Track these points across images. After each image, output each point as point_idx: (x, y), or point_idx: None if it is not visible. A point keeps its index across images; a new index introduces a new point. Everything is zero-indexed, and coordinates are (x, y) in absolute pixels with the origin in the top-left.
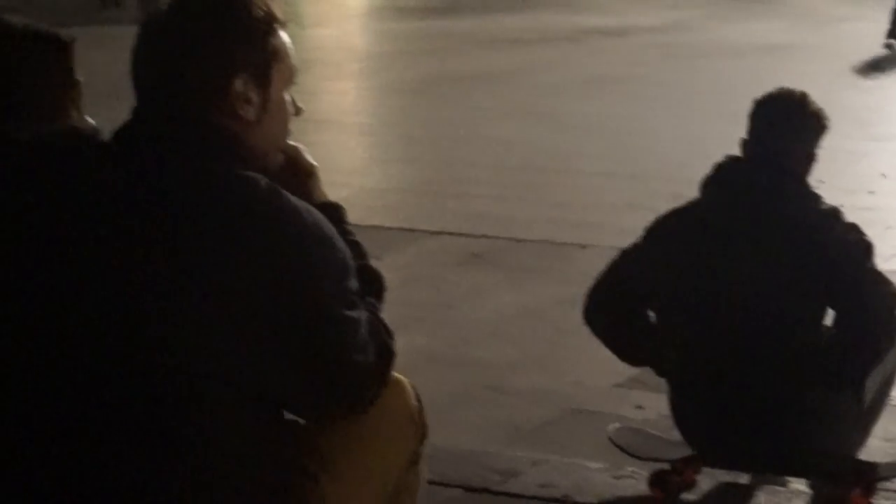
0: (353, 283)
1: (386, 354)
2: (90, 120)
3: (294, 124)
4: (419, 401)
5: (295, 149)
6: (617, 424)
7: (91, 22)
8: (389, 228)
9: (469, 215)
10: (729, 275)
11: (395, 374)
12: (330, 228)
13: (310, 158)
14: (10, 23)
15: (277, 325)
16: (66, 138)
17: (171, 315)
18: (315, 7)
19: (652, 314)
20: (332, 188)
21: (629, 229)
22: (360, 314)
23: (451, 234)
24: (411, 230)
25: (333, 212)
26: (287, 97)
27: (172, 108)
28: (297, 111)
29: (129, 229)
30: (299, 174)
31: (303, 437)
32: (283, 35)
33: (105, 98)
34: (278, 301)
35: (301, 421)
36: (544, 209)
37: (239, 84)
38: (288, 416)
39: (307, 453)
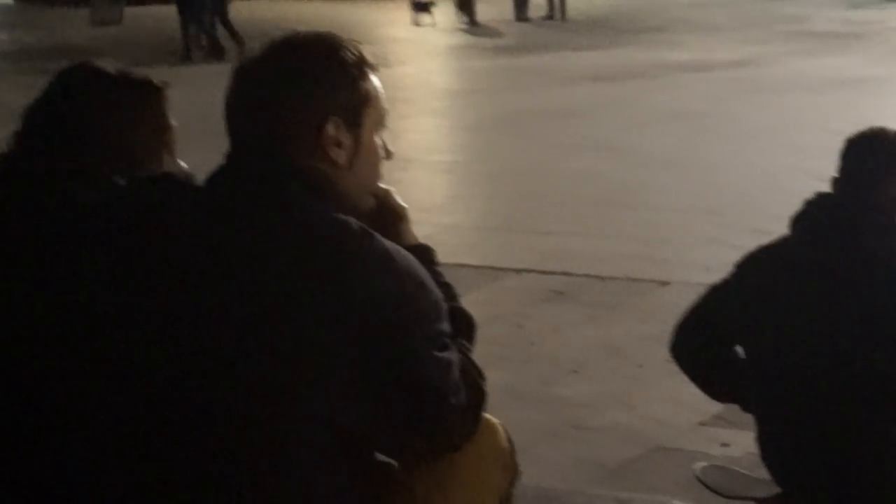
0: (445, 325)
1: (478, 395)
2: (182, 164)
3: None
4: (510, 441)
5: (386, 192)
6: (703, 462)
7: (163, 62)
8: (472, 266)
9: (550, 252)
10: (815, 312)
11: (487, 415)
12: (422, 270)
13: (400, 201)
14: (104, 68)
15: (370, 368)
16: (160, 184)
17: (264, 359)
18: (396, 46)
19: (740, 350)
20: (415, 226)
21: (711, 265)
22: (453, 356)
23: (532, 271)
24: (493, 268)
25: (424, 254)
26: (378, 140)
27: (265, 151)
28: (388, 155)
29: (223, 274)
30: (390, 217)
31: (395, 477)
32: (374, 79)
33: (182, 139)
34: (371, 344)
35: (394, 462)
36: (625, 245)
37: (331, 128)
38: (380, 457)
39: (400, 494)
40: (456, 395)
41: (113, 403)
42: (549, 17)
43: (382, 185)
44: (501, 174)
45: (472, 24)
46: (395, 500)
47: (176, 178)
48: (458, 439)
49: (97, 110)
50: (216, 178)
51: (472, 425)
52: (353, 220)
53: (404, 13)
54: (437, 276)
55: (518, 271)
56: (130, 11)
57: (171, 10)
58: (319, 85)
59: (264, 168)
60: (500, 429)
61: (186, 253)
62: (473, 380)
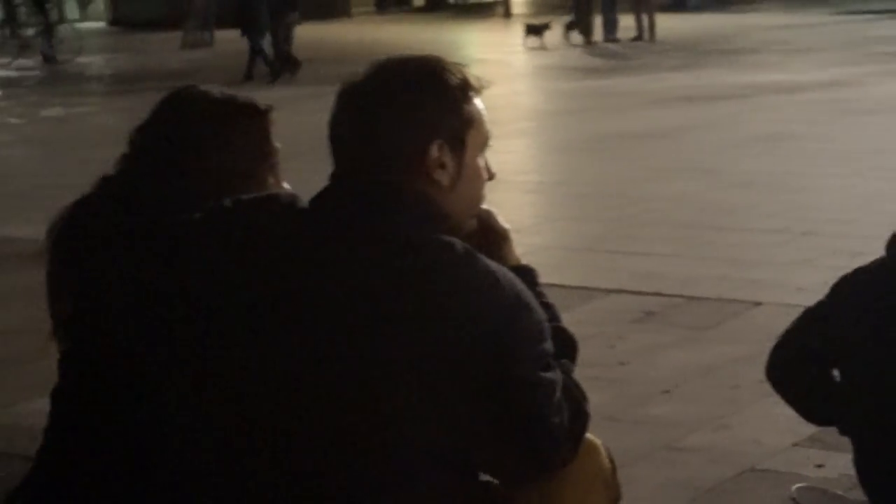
0: (549, 346)
1: (581, 416)
2: (287, 186)
3: None
4: (612, 462)
5: (488, 213)
6: (800, 484)
7: (254, 85)
8: (562, 286)
9: (641, 273)
10: None
11: (589, 436)
12: (526, 291)
13: (503, 222)
14: (209, 91)
15: (475, 389)
16: (265, 205)
17: (369, 383)
18: (483, 68)
19: (836, 372)
20: None
21: (804, 286)
22: (556, 376)
23: (624, 291)
24: (584, 288)
25: (527, 274)
26: (481, 162)
27: (370, 173)
28: (491, 176)
29: (327, 297)
30: (493, 238)
31: (498, 497)
32: (478, 101)
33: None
34: (476, 365)
35: (495, 482)
36: (717, 266)
37: (434, 150)
38: (482, 476)
39: None
40: (559, 416)
41: (213, 427)
42: (638, 38)
43: (485, 207)
44: (590, 195)
45: (588, 44)
46: None
47: (281, 199)
48: (560, 460)
49: (203, 134)
50: (321, 199)
51: (575, 446)
52: (457, 242)
53: (500, 34)
54: (540, 296)
55: (608, 292)
56: (221, 35)
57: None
58: (424, 108)
59: (369, 190)
60: (602, 449)
61: (291, 276)
62: (576, 401)
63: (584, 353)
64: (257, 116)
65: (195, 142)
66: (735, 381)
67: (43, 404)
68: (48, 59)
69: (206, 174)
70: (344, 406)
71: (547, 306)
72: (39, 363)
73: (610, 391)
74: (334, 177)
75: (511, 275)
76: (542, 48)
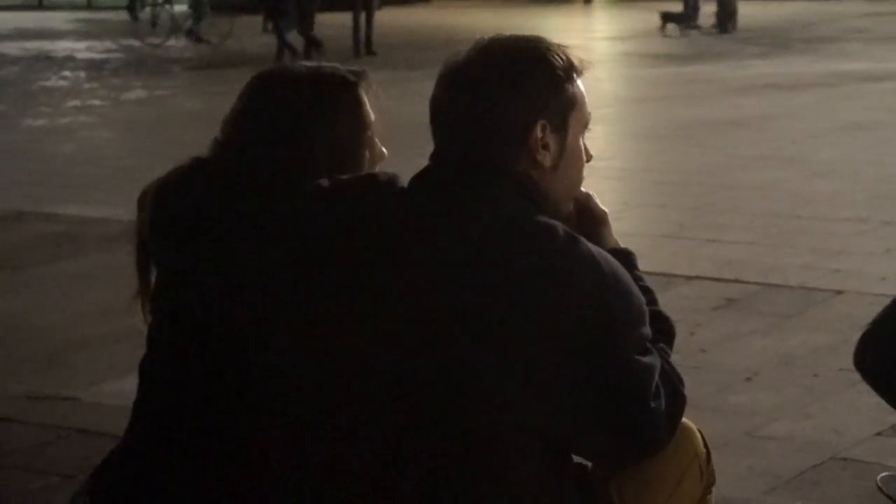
0: (647, 330)
1: (678, 400)
2: (384, 151)
3: None
4: (707, 447)
5: (587, 195)
6: (886, 473)
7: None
8: (643, 273)
9: (723, 261)
10: None
11: (685, 420)
12: (626, 275)
13: (601, 205)
14: (295, 69)
15: (575, 372)
16: (364, 186)
17: (475, 367)
18: None
19: None
20: None
21: (887, 275)
22: (654, 360)
23: (705, 278)
24: (665, 275)
25: (626, 258)
26: (581, 144)
27: (473, 153)
28: (588, 157)
29: (427, 278)
30: (592, 221)
31: (593, 480)
32: (580, 83)
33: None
34: (577, 348)
35: (588, 464)
36: (799, 255)
37: (538, 130)
38: (576, 459)
39: (596, 497)
40: (656, 400)
41: (324, 410)
42: (720, 25)
43: (584, 189)
44: (672, 182)
45: (724, 31)
46: (593, 502)
47: (380, 179)
48: (657, 443)
49: (295, 112)
50: (422, 179)
51: (671, 429)
52: (559, 225)
53: (580, 19)
54: (638, 280)
55: (690, 278)
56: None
57: (344, 17)
58: (528, 88)
59: (472, 171)
60: (697, 433)
61: (394, 259)
62: (673, 384)
63: None
64: (347, 88)
65: (288, 121)
66: (816, 370)
67: (127, 383)
68: (198, 40)
69: (303, 154)
70: (448, 388)
71: (646, 290)
72: (124, 343)
73: (690, 378)
74: (435, 156)
75: (611, 259)
76: (684, 35)
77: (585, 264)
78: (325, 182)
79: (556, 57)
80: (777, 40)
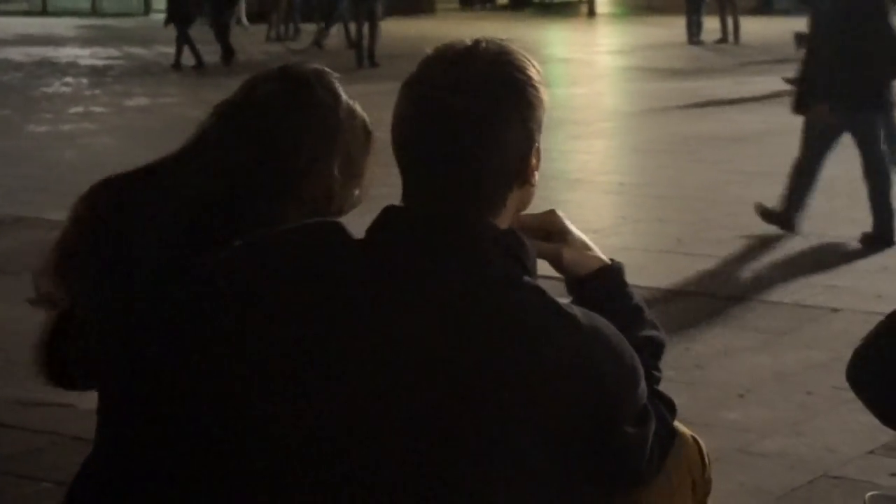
0: (643, 387)
1: (669, 438)
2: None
3: (545, 183)
4: (703, 455)
5: (552, 212)
6: (876, 492)
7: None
8: (639, 287)
9: (720, 276)
10: None
11: (682, 428)
12: (612, 333)
13: (566, 222)
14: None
15: (566, 449)
16: (319, 235)
17: (459, 454)
18: (566, 67)
19: None
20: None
21: (884, 293)
22: (650, 424)
23: (701, 294)
24: (662, 290)
25: (614, 276)
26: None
27: (465, 200)
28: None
29: (399, 351)
30: (573, 245)
31: None
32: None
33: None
34: (577, 429)
35: None
36: (795, 271)
37: (534, 157)
38: None
39: None
40: (650, 462)
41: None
42: (723, 40)
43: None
44: (670, 197)
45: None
46: None
47: (327, 228)
48: (645, 483)
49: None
50: (395, 226)
51: (661, 466)
52: (553, 302)
53: (584, 33)
54: (629, 297)
55: (686, 294)
56: (307, 28)
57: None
58: (531, 115)
59: (457, 224)
60: (693, 444)
61: (364, 318)
62: (666, 424)
63: None
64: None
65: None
66: (810, 387)
67: None
68: (318, 45)
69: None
70: (432, 470)
71: (637, 309)
72: None
73: (685, 394)
74: (412, 198)
75: (595, 317)
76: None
77: (574, 335)
78: (267, 234)
79: (535, 69)
80: (780, 56)
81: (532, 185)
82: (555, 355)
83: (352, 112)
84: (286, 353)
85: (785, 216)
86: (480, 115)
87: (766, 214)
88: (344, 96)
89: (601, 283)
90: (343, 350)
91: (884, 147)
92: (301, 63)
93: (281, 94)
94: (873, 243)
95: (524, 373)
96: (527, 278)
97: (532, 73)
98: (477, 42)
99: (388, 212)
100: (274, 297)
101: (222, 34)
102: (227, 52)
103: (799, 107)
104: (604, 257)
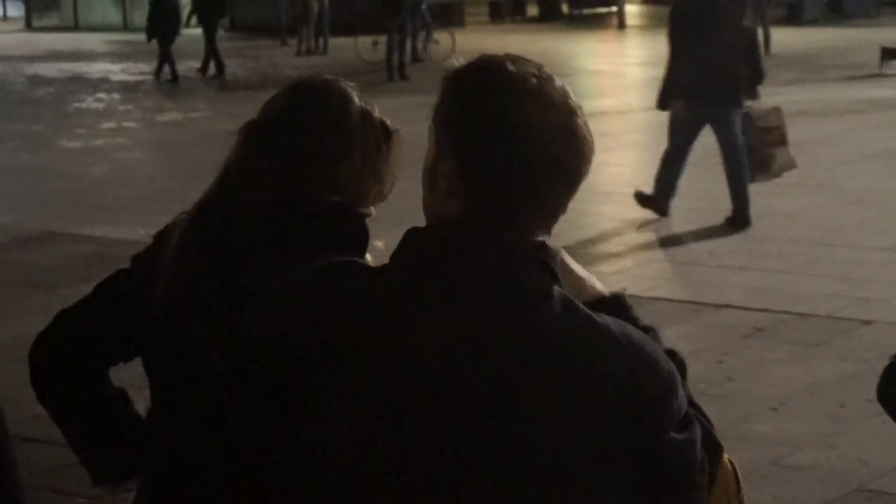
0: (682, 393)
1: (715, 451)
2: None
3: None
4: (737, 477)
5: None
6: None
7: (380, 94)
8: (672, 300)
9: (752, 289)
10: None
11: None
12: (647, 341)
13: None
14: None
15: (618, 462)
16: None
17: (504, 467)
18: (596, 79)
19: None
20: (616, 260)
21: None
22: (695, 429)
23: (733, 307)
24: (693, 303)
25: (616, 304)
26: None
27: (511, 213)
28: None
29: (441, 352)
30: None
31: None
32: None
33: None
34: (611, 437)
35: None
36: (828, 284)
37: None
38: None
39: None
40: (703, 471)
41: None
42: None
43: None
44: (702, 209)
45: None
46: None
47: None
48: (702, 493)
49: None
50: (415, 246)
51: (714, 475)
52: (586, 313)
53: (613, 45)
54: (634, 320)
55: (718, 307)
56: (336, 42)
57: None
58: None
59: (501, 237)
60: (729, 466)
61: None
62: (710, 435)
63: (691, 368)
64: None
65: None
66: (843, 400)
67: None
68: (417, 59)
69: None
70: (486, 489)
71: (647, 329)
72: None
73: (717, 407)
74: (473, 216)
75: (627, 327)
76: None
77: (609, 343)
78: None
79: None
80: (810, 66)
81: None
82: (593, 367)
83: (366, 114)
84: (330, 395)
85: (657, 202)
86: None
87: (641, 199)
88: (357, 100)
89: (605, 310)
90: (379, 379)
91: (742, 137)
92: (314, 75)
93: (294, 105)
94: (734, 225)
95: (567, 386)
96: (557, 288)
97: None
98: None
99: (409, 234)
100: (307, 346)
101: (211, 44)
102: (211, 64)
103: (662, 103)
104: (604, 290)
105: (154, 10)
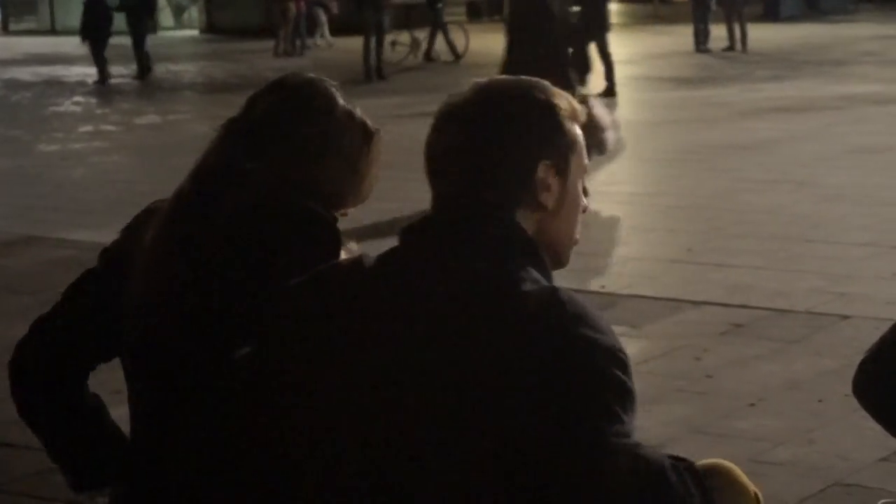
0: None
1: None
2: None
3: None
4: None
5: None
6: (887, 500)
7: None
8: (650, 298)
9: (730, 285)
10: None
11: (746, 482)
12: (606, 332)
13: None
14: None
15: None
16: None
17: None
18: None
19: None
20: (594, 258)
21: (893, 300)
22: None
23: (712, 304)
24: (672, 300)
25: None
26: (580, 190)
27: (475, 196)
28: (584, 208)
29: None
30: None
31: None
32: (578, 130)
33: None
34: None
35: None
36: (806, 279)
37: (541, 171)
38: None
39: None
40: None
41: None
42: (730, 48)
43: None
44: (681, 207)
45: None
46: None
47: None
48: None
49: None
50: (417, 233)
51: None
52: (565, 293)
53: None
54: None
55: (697, 303)
56: (346, 43)
57: (354, 42)
58: (531, 127)
59: (466, 221)
60: (753, 497)
61: (371, 328)
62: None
63: (670, 364)
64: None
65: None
66: (822, 395)
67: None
68: (430, 59)
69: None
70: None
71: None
72: None
73: (696, 403)
74: (437, 204)
75: (588, 312)
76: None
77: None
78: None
79: (560, 99)
80: (787, 63)
81: (541, 199)
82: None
83: (349, 114)
84: (319, 386)
85: None
86: (477, 120)
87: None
88: (341, 101)
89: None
90: (364, 370)
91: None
92: (297, 73)
93: (279, 105)
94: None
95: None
96: (527, 270)
97: (554, 100)
98: (506, 77)
99: (423, 218)
100: (308, 336)
101: (139, 46)
102: (144, 66)
103: None
104: None
105: (86, 13)
